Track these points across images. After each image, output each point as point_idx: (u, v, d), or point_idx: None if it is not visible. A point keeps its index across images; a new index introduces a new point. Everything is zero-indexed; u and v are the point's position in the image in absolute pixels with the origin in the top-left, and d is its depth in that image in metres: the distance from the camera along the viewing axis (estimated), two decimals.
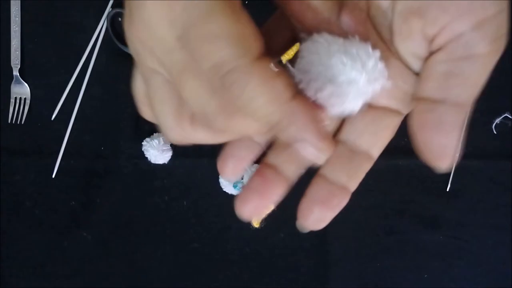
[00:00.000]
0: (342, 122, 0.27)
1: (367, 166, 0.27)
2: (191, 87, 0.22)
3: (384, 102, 0.26)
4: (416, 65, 0.25)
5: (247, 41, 0.21)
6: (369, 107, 0.26)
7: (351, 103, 0.24)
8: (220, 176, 0.59)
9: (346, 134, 0.27)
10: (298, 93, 0.22)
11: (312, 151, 0.22)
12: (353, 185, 0.27)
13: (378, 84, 0.24)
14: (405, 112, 0.26)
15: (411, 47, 0.24)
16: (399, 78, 0.25)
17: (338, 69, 0.23)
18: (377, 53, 0.24)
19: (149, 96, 0.24)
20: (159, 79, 0.23)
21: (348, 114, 0.25)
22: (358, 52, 0.24)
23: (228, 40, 0.20)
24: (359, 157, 0.27)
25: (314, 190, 0.26)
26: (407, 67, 0.26)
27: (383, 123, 0.27)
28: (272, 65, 0.21)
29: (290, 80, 0.22)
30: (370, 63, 0.24)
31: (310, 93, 0.24)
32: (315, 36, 0.24)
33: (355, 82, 0.23)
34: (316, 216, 0.26)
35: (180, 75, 0.22)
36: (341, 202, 0.26)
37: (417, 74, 0.25)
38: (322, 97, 0.24)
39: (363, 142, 0.27)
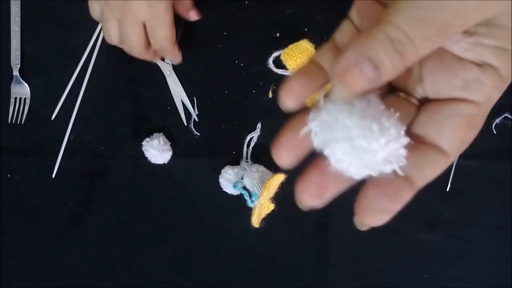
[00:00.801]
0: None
1: (437, 159, 0.24)
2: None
3: (444, 93, 0.24)
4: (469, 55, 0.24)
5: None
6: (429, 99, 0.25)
7: (357, 169, 0.23)
8: (220, 176, 0.59)
9: (413, 127, 0.25)
10: None
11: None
12: (420, 179, 0.24)
13: (389, 167, 0.23)
14: (473, 98, 0.24)
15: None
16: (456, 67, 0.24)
17: (363, 132, 0.22)
18: (405, 140, 0.23)
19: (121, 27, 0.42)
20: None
21: (353, 177, 0.24)
22: (389, 127, 0.23)
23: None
24: (427, 148, 0.24)
25: (376, 179, 0.24)
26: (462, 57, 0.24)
27: (447, 111, 0.24)
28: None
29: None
30: (394, 145, 0.23)
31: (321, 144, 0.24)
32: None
33: (371, 153, 0.23)
34: (376, 207, 0.24)
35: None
36: (403, 194, 0.24)
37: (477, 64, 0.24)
38: (332, 149, 0.23)
39: (427, 132, 0.25)
